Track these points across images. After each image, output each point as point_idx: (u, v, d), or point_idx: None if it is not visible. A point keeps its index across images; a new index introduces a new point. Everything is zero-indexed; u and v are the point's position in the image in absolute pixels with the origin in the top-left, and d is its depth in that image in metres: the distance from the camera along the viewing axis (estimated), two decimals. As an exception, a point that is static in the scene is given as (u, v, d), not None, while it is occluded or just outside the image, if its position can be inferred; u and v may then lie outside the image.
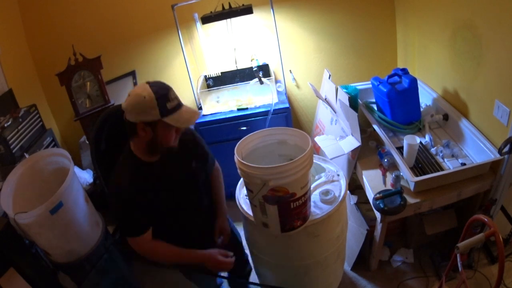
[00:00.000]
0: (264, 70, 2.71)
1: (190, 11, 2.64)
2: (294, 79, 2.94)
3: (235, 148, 1.50)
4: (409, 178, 1.75)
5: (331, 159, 1.98)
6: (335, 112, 2.32)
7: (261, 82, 2.55)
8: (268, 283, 1.98)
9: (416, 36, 2.50)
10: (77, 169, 2.47)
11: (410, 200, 1.76)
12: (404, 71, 2.12)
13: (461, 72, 2.01)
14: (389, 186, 1.88)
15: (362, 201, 2.23)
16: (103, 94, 2.35)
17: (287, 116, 2.60)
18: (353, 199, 2.22)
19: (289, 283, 1.82)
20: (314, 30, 2.77)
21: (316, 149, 2.52)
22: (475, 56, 1.84)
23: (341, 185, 1.75)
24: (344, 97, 2.07)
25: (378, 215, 1.83)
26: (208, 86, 2.76)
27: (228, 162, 2.72)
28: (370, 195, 1.90)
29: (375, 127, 2.10)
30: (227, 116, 2.60)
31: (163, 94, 1.21)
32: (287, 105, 2.59)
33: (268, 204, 1.45)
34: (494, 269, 2.00)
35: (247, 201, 1.77)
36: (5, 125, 2.14)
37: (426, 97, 2.31)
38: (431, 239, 2.16)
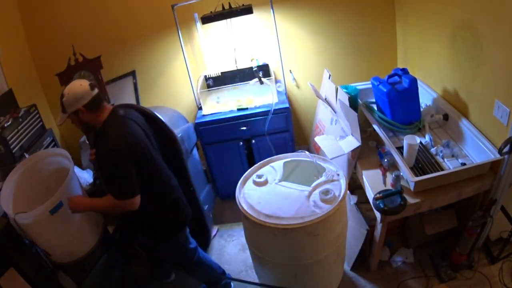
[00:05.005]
0: (264, 70, 2.71)
1: (190, 11, 2.64)
2: (294, 79, 2.94)
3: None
4: (409, 178, 1.75)
5: (331, 159, 1.98)
6: (335, 112, 2.32)
7: (261, 82, 2.55)
8: (268, 283, 1.98)
9: (416, 36, 2.50)
10: (77, 169, 2.46)
11: (410, 200, 1.76)
12: (404, 71, 2.12)
13: (461, 72, 2.01)
14: (389, 186, 1.88)
15: (362, 201, 2.23)
16: (103, 94, 2.35)
17: (287, 116, 2.60)
18: (353, 199, 2.22)
19: (289, 283, 1.82)
20: (314, 30, 2.77)
21: (316, 149, 2.52)
22: (475, 56, 1.84)
23: (341, 185, 1.75)
24: (344, 97, 2.07)
25: (378, 215, 1.83)
26: (208, 86, 2.76)
27: (228, 162, 2.76)
28: (370, 195, 1.90)
29: (375, 127, 2.10)
30: (227, 116, 2.60)
31: None
32: (287, 105, 2.59)
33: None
34: (494, 269, 2.00)
35: (247, 200, 1.78)
36: (5, 125, 2.14)
37: (426, 97, 2.31)
38: (431, 239, 2.15)
